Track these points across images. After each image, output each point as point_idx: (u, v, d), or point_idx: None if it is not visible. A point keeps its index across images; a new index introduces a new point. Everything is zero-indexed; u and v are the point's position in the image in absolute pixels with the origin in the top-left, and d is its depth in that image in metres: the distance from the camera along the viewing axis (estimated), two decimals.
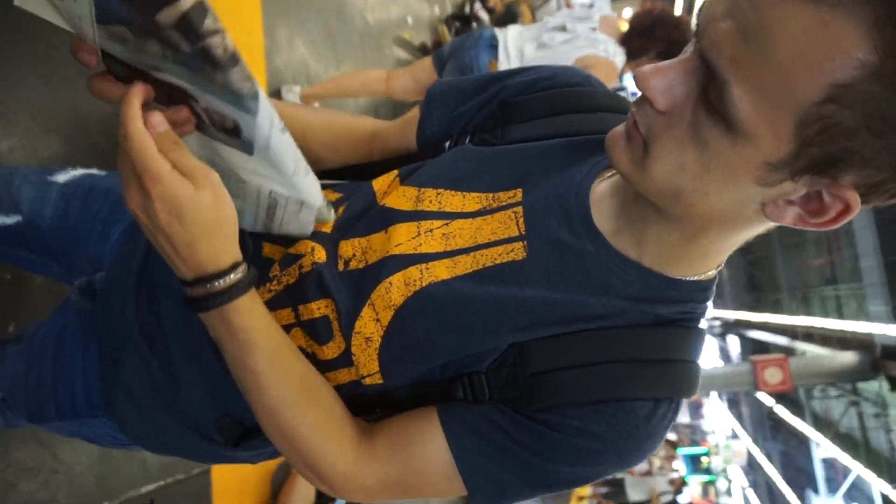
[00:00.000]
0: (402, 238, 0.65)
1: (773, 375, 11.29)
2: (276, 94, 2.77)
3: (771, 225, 0.53)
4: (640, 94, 0.51)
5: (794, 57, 0.41)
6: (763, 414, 13.99)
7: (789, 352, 10.27)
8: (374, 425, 0.66)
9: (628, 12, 2.70)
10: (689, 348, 0.61)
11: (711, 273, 0.61)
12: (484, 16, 6.28)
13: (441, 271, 0.62)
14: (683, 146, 0.48)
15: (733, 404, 18.04)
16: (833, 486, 10.86)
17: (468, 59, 2.45)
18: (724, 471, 16.38)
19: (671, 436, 8.56)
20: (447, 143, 0.74)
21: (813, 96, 0.41)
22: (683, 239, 0.57)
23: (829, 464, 11.18)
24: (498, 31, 2.53)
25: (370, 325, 0.64)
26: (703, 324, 0.63)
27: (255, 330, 0.58)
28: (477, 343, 0.61)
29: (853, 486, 9.76)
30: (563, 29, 2.42)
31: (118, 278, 0.77)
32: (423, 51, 4.87)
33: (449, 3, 6.20)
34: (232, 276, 0.55)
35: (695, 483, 15.69)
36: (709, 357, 18.36)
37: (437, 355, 0.62)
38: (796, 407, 11.61)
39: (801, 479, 12.10)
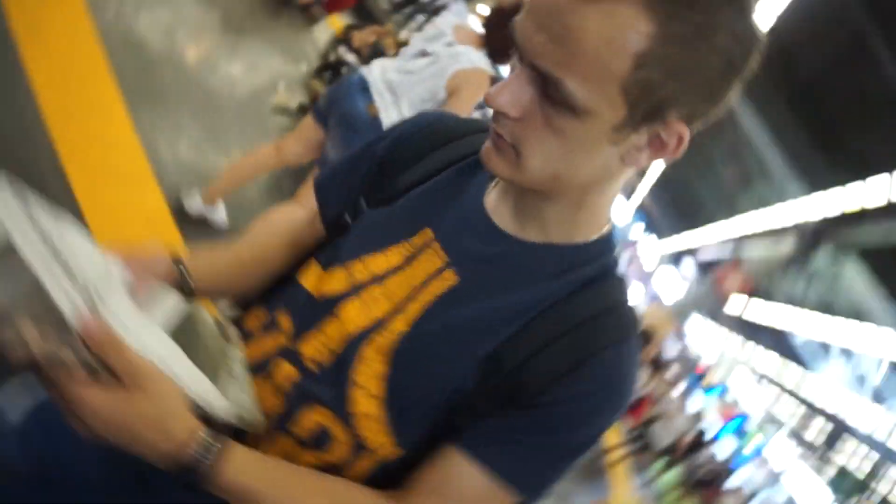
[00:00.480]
0: (354, 315, 0.70)
1: (733, 282, 11.82)
2: (178, 206, 2.76)
3: (633, 168, 0.64)
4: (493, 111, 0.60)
5: (600, 45, 0.52)
6: (742, 321, 14.56)
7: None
8: (401, 492, 0.69)
9: (484, 8, 2.75)
10: (619, 293, 0.71)
11: (606, 229, 0.71)
12: (351, 58, 6.37)
13: (399, 325, 0.68)
14: (545, 139, 0.58)
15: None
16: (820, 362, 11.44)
17: (347, 109, 2.46)
18: (728, 380, 16.92)
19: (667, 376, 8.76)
20: (346, 217, 0.80)
21: (625, 69, 0.53)
22: (574, 209, 0.67)
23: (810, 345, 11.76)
24: (365, 72, 2.55)
25: (366, 403, 0.68)
26: (620, 269, 0.73)
27: (258, 481, 0.62)
28: (461, 367, 0.66)
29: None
30: (423, 54, 2.47)
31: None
32: (302, 111, 4.90)
33: (315, 55, 6.26)
34: (193, 446, 0.58)
35: (710, 406, 16.16)
36: (673, 287, 18.99)
37: (436, 396, 0.67)
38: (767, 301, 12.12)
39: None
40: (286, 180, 3.78)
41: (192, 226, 2.75)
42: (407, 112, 2.48)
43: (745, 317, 14.05)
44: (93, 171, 2.37)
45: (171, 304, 0.67)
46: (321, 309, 0.73)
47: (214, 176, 3.07)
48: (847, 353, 11.21)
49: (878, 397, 10.46)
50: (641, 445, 9.23)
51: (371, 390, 0.68)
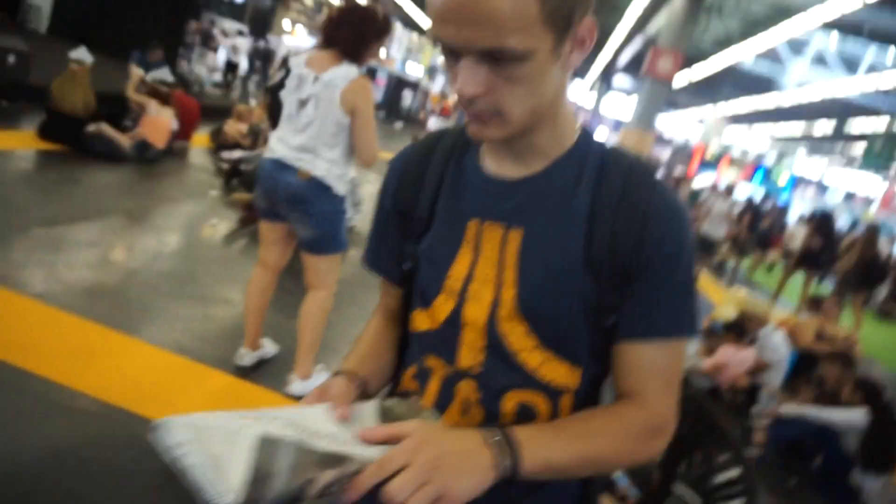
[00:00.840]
0: (474, 313, 0.81)
1: (664, 64, 11.93)
2: (237, 368, 2.85)
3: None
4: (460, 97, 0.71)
5: (511, 7, 0.63)
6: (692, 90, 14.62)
7: None
8: (624, 400, 0.81)
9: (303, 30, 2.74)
10: (623, 158, 0.82)
11: (579, 125, 0.83)
12: (239, 154, 6.40)
13: (509, 292, 0.79)
14: (513, 92, 0.69)
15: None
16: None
17: (285, 190, 2.50)
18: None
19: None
20: (406, 265, 0.91)
21: (535, 9, 0.65)
22: (553, 125, 0.79)
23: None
24: (269, 152, 2.58)
25: (533, 357, 0.81)
26: (608, 143, 0.86)
27: (550, 450, 0.72)
28: (572, 284, 0.78)
29: None
30: (303, 104, 2.47)
31: None
32: (244, 222, 4.95)
33: (211, 177, 6.28)
34: (487, 453, 0.68)
35: (726, 174, 16.42)
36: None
37: (575, 316, 0.79)
38: None
39: None
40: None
41: (253, 371, 2.85)
42: (336, 155, 2.51)
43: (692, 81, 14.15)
44: (149, 393, 2.45)
45: (368, 409, 0.78)
46: (450, 330, 0.83)
47: (238, 324, 3.18)
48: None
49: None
50: (704, 252, 9.37)
51: (529, 346, 0.79)
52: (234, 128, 7.73)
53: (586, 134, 0.83)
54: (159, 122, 6.09)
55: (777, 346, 4.75)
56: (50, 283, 3.12)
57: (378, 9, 2.56)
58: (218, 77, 16.14)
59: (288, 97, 2.53)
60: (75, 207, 4.25)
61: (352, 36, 2.45)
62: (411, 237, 0.89)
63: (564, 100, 0.78)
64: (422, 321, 0.88)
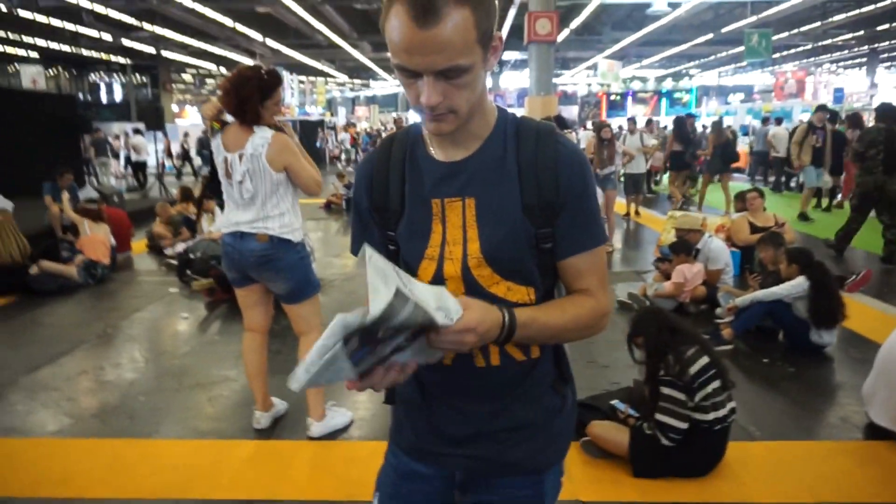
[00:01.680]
0: (451, 270, 1.07)
1: (542, 26, 12.51)
2: (257, 431, 3.10)
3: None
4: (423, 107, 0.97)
5: (460, 36, 0.89)
6: None
7: None
8: (573, 294, 1.13)
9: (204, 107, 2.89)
10: (529, 122, 1.11)
11: (495, 106, 1.12)
12: (182, 246, 6.53)
13: (474, 246, 1.06)
14: (461, 95, 0.96)
15: None
16: None
17: (251, 258, 2.74)
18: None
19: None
20: (391, 248, 1.16)
21: (473, 34, 0.91)
22: (482, 114, 1.06)
23: None
24: (222, 231, 2.85)
25: (500, 288, 1.08)
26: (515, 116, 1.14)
27: (533, 318, 1.02)
28: (519, 226, 1.05)
29: None
30: (242, 182, 2.68)
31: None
32: (211, 293, 5.12)
33: (167, 274, 6.37)
34: (505, 315, 0.98)
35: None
36: None
37: (525, 251, 1.07)
38: None
39: None
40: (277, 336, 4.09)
41: (273, 429, 3.09)
42: (285, 209, 2.75)
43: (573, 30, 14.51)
44: (189, 478, 2.67)
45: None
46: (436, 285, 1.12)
47: (242, 395, 3.40)
48: None
49: None
50: (633, 188, 9.93)
51: (496, 280, 1.07)
52: (163, 227, 7.85)
53: (502, 112, 1.11)
54: (97, 239, 6.18)
55: (718, 250, 5.22)
56: (60, 419, 3.28)
57: (255, 68, 2.71)
58: (126, 182, 16.03)
59: (223, 180, 2.75)
60: (50, 347, 4.36)
61: (237, 102, 2.60)
62: (389, 225, 1.13)
63: (485, 92, 1.06)
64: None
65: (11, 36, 22.60)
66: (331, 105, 41.45)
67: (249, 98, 2.60)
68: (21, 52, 27.32)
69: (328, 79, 36.58)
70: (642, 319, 2.88)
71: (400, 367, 0.93)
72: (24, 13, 17.53)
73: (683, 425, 2.61)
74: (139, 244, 7.93)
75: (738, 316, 4.31)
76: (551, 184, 1.05)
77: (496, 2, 0.97)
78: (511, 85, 34.58)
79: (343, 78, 37.43)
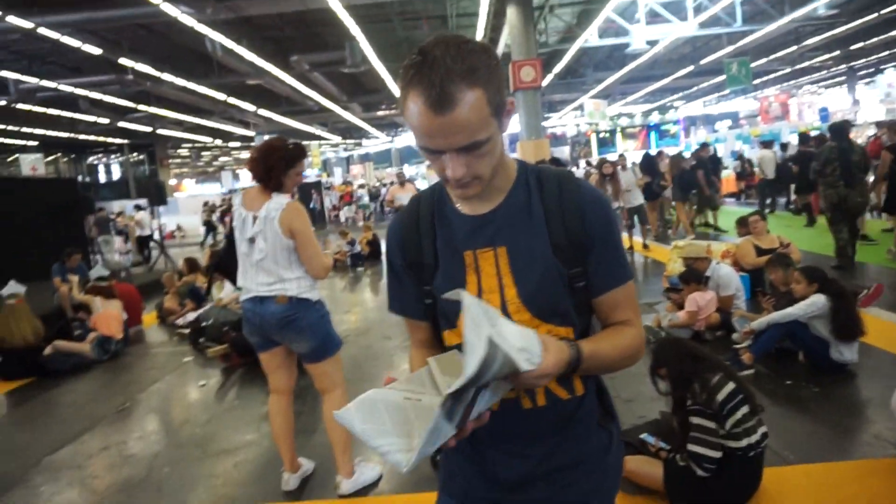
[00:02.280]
0: None
1: (527, 74, 12.89)
2: (287, 493, 3.06)
3: None
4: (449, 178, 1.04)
5: (477, 115, 0.96)
6: None
7: None
8: (612, 324, 1.18)
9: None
10: (548, 171, 1.19)
11: (516, 161, 1.19)
12: (192, 316, 6.55)
13: (511, 292, 1.12)
14: (483, 163, 1.03)
15: None
16: None
17: (272, 321, 2.79)
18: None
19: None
20: (428, 301, 1.22)
21: (487, 110, 0.98)
22: (503, 171, 1.13)
23: None
24: (241, 296, 2.90)
25: (543, 329, 1.13)
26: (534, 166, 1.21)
27: (594, 350, 1.08)
28: (551, 269, 1.12)
29: None
30: (252, 240, 2.77)
31: None
32: (227, 358, 5.10)
33: (181, 351, 6.38)
34: (573, 351, 1.03)
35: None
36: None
37: (560, 292, 1.13)
38: None
39: None
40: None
41: (302, 490, 3.06)
42: (299, 273, 2.78)
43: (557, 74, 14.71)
44: None
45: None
46: None
47: (267, 457, 3.37)
48: None
49: None
50: (631, 223, 10.10)
51: (536, 324, 1.11)
52: (172, 300, 7.91)
53: (521, 163, 1.18)
54: (109, 314, 6.22)
55: (728, 276, 5.24)
56: (86, 497, 3.24)
57: (282, 139, 2.88)
58: (129, 258, 16.16)
59: (238, 238, 2.83)
60: (70, 425, 4.34)
61: (263, 169, 2.77)
62: (426, 280, 1.19)
63: (504, 149, 1.13)
64: (452, 338, 1.18)
65: (10, 128, 23.18)
66: (326, 166, 42.14)
67: (275, 167, 2.77)
68: (20, 142, 27.96)
69: (321, 141, 37.27)
70: (663, 350, 2.89)
71: (487, 412, 0.98)
72: (23, 105, 18.02)
73: (717, 454, 2.58)
74: (149, 317, 7.96)
75: (756, 339, 4.30)
76: (578, 224, 1.11)
77: (503, 74, 1.04)
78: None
79: (336, 139, 38.16)
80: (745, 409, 2.62)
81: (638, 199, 10.01)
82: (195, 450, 3.74)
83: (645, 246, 9.91)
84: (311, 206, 23.68)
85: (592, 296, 1.14)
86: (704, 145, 12.58)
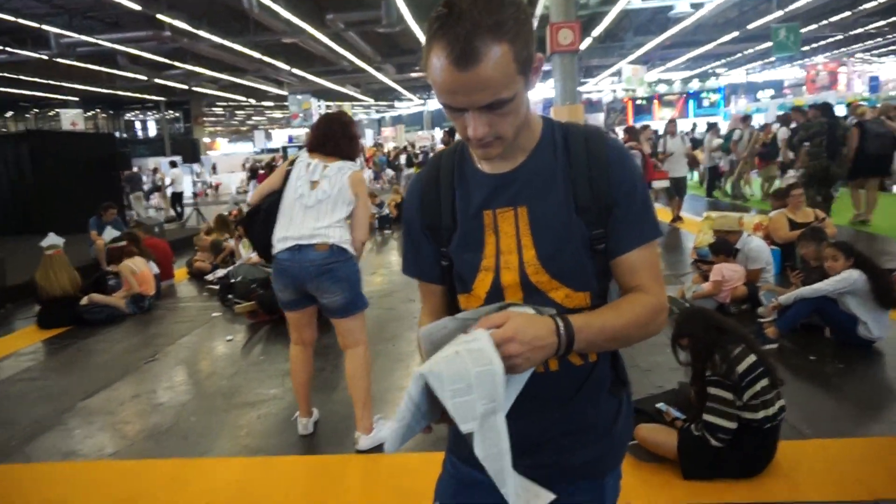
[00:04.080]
0: (508, 279, 1.09)
1: (565, 37, 12.55)
2: (302, 435, 3.20)
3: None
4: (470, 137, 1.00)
5: (501, 71, 0.92)
6: None
7: None
8: (633, 291, 1.10)
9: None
10: (576, 128, 1.14)
11: (541, 118, 1.14)
12: (221, 272, 6.69)
13: (530, 253, 1.08)
14: (507, 122, 0.99)
15: None
16: None
17: (308, 273, 2.91)
18: None
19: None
20: (444, 263, 1.19)
21: (513, 66, 0.93)
22: (527, 128, 1.08)
23: None
24: (277, 251, 2.96)
25: (559, 294, 1.09)
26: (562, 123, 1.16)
27: (591, 325, 1.00)
28: (572, 230, 1.07)
29: None
30: (322, 168, 2.94)
31: None
32: (257, 325, 5.22)
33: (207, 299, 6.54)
34: (558, 320, 0.97)
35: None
36: None
37: (581, 254, 1.08)
38: None
39: None
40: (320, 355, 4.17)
41: (322, 442, 3.16)
42: (344, 225, 2.92)
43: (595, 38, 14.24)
44: (244, 494, 2.74)
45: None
46: (494, 296, 1.09)
47: (289, 412, 3.47)
48: None
49: None
50: (677, 192, 9.72)
51: (554, 286, 1.07)
52: (203, 256, 8.10)
53: (547, 121, 1.13)
54: (142, 276, 6.38)
55: (758, 249, 5.13)
56: (117, 441, 3.40)
57: (341, 112, 3.14)
58: (162, 214, 16.53)
59: (294, 182, 2.92)
60: (103, 373, 4.52)
61: (345, 145, 3.00)
62: (443, 242, 1.16)
63: (529, 106, 1.07)
64: (467, 301, 1.15)
65: (51, 82, 23.62)
66: (358, 127, 42.08)
67: (354, 137, 3.05)
68: (60, 96, 28.50)
69: (354, 102, 37.16)
70: (688, 320, 2.85)
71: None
72: (63, 60, 18.31)
73: (732, 425, 2.57)
74: (180, 272, 8.17)
75: (783, 314, 4.23)
76: (604, 184, 1.07)
77: (533, 27, 0.98)
78: (536, 95, 34.57)
79: (369, 101, 37.99)
80: (764, 382, 2.59)
81: (682, 169, 9.67)
82: (221, 401, 3.87)
83: (678, 219, 9.62)
84: None
85: (610, 257, 1.09)
86: (746, 117, 12.18)
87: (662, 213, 9.33)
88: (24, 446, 3.41)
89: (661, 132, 10.64)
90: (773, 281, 5.09)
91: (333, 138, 2.99)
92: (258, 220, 3.04)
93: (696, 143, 12.28)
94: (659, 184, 9.27)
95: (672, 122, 10.95)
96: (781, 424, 2.67)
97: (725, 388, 2.60)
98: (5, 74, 21.67)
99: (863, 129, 8.01)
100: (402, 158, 21.84)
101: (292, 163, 3.02)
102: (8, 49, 17.46)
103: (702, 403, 2.67)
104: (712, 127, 13.70)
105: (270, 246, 2.97)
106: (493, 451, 0.91)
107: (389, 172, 22.96)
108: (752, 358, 2.62)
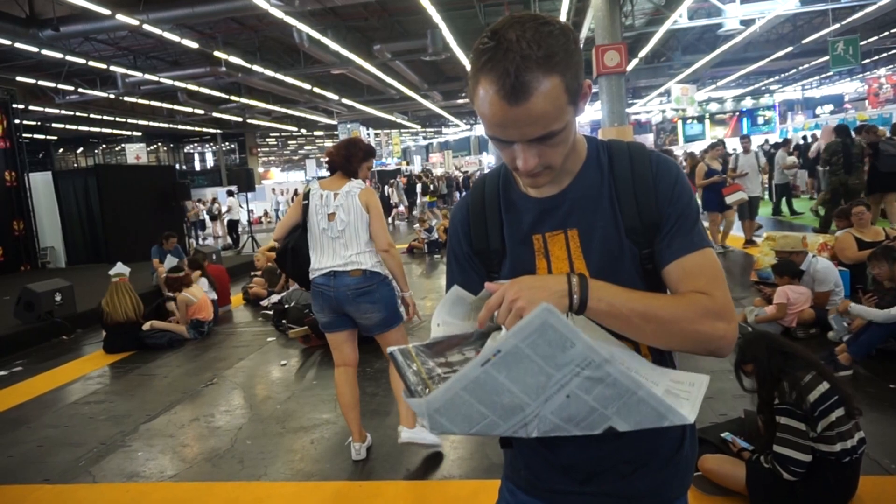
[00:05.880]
0: None
1: (611, 59, 12.47)
2: (356, 462, 3.18)
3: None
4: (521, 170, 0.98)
5: (552, 106, 0.89)
6: None
7: None
8: (684, 291, 1.02)
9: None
10: (620, 146, 1.11)
11: (585, 139, 1.11)
12: (276, 298, 6.83)
13: (582, 270, 1.06)
14: (556, 153, 0.97)
15: None
16: None
17: (349, 289, 3.09)
18: None
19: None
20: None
21: (564, 99, 0.91)
22: (574, 153, 1.05)
23: None
24: (316, 278, 3.16)
25: None
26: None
27: (616, 296, 0.94)
28: (623, 249, 1.04)
29: None
30: (332, 217, 3.10)
31: None
32: (307, 339, 5.27)
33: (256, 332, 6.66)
34: (563, 282, 0.92)
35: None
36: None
37: (631, 271, 1.05)
38: None
39: None
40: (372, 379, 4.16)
41: (370, 466, 3.14)
42: (370, 248, 3.10)
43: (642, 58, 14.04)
44: None
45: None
46: None
47: (341, 437, 3.48)
48: None
49: None
50: (750, 212, 9.09)
51: None
52: (259, 282, 8.30)
53: (591, 140, 1.10)
54: (200, 301, 6.57)
55: (825, 270, 4.89)
56: (177, 464, 3.46)
57: (360, 137, 3.37)
58: (220, 242, 17.06)
59: (315, 216, 3.11)
60: (164, 396, 4.65)
61: (344, 157, 3.17)
62: (493, 267, 1.14)
63: (577, 131, 1.04)
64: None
65: (118, 119, 24.94)
66: (406, 154, 42.73)
67: (353, 156, 3.18)
68: (125, 132, 30.05)
69: (402, 130, 37.80)
70: (750, 344, 2.72)
71: None
72: (128, 98, 19.34)
73: (806, 457, 2.42)
74: (237, 298, 8.38)
75: (856, 339, 4.00)
76: (651, 201, 1.04)
77: (581, 55, 0.95)
78: (583, 119, 34.39)
79: (416, 127, 38.58)
80: (840, 412, 2.44)
81: (756, 188, 9.08)
82: (275, 425, 3.91)
83: (751, 242, 8.83)
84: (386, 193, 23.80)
85: (659, 268, 1.04)
86: (786, 140, 11.66)
87: (732, 240, 8.99)
88: (90, 467, 3.51)
89: (736, 149, 10.02)
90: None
91: (338, 162, 3.18)
92: (287, 259, 3.27)
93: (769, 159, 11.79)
94: (733, 198, 8.55)
95: (746, 137, 10.45)
96: (862, 458, 2.50)
97: (797, 417, 2.46)
98: (77, 113, 23.03)
99: (875, 149, 8.60)
100: (418, 187, 21.48)
101: (307, 195, 3.19)
102: (80, 90, 18.59)
103: (771, 434, 2.53)
104: (786, 143, 13.24)
105: (306, 277, 3.18)
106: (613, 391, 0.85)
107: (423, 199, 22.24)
108: (824, 386, 2.47)
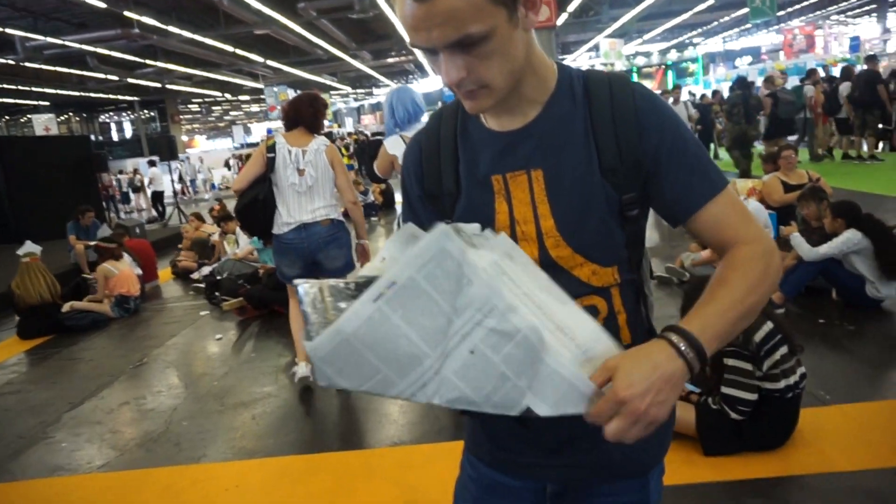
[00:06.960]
0: (527, 251, 0.91)
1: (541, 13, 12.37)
2: (303, 385, 3.03)
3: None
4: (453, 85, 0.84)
5: (463, 2, 0.75)
6: None
7: None
8: (728, 248, 0.92)
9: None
10: (600, 75, 0.96)
11: (553, 62, 0.96)
12: (207, 270, 6.49)
13: (548, 223, 0.92)
14: (490, 65, 0.82)
15: None
16: None
17: (309, 245, 3.41)
18: None
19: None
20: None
21: None
22: (533, 76, 0.91)
23: None
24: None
25: (583, 270, 0.93)
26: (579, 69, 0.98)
27: (714, 324, 0.83)
28: (599, 195, 0.90)
29: None
30: (301, 172, 3.36)
31: None
32: (246, 321, 5.03)
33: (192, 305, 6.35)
34: (674, 340, 0.79)
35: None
36: None
37: (608, 223, 0.91)
38: None
39: None
40: None
41: (322, 440, 3.00)
42: (335, 201, 3.44)
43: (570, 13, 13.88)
44: (244, 500, 2.60)
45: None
46: None
47: (285, 410, 3.32)
48: None
49: None
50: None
51: (578, 262, 0.91)
52: (187, 255, 7.88)
53: (564, 68, 0.95)
54: (124, 275, 6.16)
55: (756, 212, 5.00)
56: (106, 453, 3.22)
57: (315, 92, 3.54)
58: (146, 214, 16.19)
59: (284, 171, 3.31)
60: (89, 381, 4.34)
61: (310, 115, 3.42)
62: (446, 212, 0.99)
63: (536, 51, 0.90)
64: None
65: (20, 88, 23.03)
66: (337, 116, 41.59)
67: (318, 112, 3.46)
68: (31, 102, 27.84)
69: (331, 92, 36.70)
70: (694, 289, 2.73)
71: None
72: (31, 64, 17.83)
73: (753, 397, 2.46)
74: (165, 272, 7.95)
75: (787, 278, 4.13)
76: (634, 139, 0.89)
77: None
78: None
79: (346, 89, 37.53)
80: (783, 350, 2.48)
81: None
82: (213, 403, 3.70)
83: None
84: None
85: (682, 219, 0.92)
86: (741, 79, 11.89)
87: None
88: (7, 463, 3.23)
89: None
90: None
91: (306, 119, 3.42)
92: (258, 209, 3.35)
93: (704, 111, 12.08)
94: None
95: (677, 88, 10.61)
96: (803, 392, 2.56)
97: (744, 358, 2.48)
98: None
99: (775, 98, 9.56)
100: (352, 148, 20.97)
101: (270, 148, 3.34)
102: None
103: (718, 376, 2.55)
104: (715, 95, 13.37)
105: (270, 230, 3.39)
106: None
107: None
108: (768, 325, 2.50)
